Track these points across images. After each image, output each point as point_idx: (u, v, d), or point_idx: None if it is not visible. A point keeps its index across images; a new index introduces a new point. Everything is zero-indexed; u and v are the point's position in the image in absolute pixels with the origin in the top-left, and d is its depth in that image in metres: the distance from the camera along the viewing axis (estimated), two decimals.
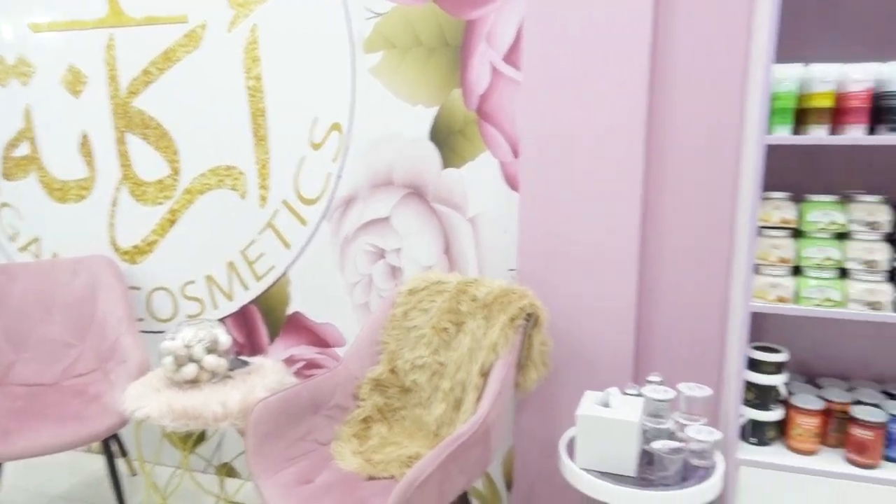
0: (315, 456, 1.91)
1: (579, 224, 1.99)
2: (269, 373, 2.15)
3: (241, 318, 2.57)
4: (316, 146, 2.33)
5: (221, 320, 2.59)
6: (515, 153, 2.10)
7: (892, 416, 1.62)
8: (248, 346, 2.58)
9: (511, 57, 2.04)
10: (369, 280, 2.36)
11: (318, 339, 2.47)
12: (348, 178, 2.31)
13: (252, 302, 2.54)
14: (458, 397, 1.95)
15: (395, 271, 2.31)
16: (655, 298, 2.01)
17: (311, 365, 2.50)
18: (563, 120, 1.95)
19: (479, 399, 1.85)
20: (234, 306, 2.57)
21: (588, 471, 1.67)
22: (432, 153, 2.19)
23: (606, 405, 1.73)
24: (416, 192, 2.24)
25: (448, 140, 2.16)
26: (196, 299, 2.62)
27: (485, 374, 1.86)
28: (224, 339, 2.12)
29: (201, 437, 2.70)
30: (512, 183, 2.12)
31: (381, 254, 2.32)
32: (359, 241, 2.34)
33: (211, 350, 2.09)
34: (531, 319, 1.92)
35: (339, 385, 2.04)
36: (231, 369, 2.13)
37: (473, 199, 2.18)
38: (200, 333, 2.09)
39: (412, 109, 2.18)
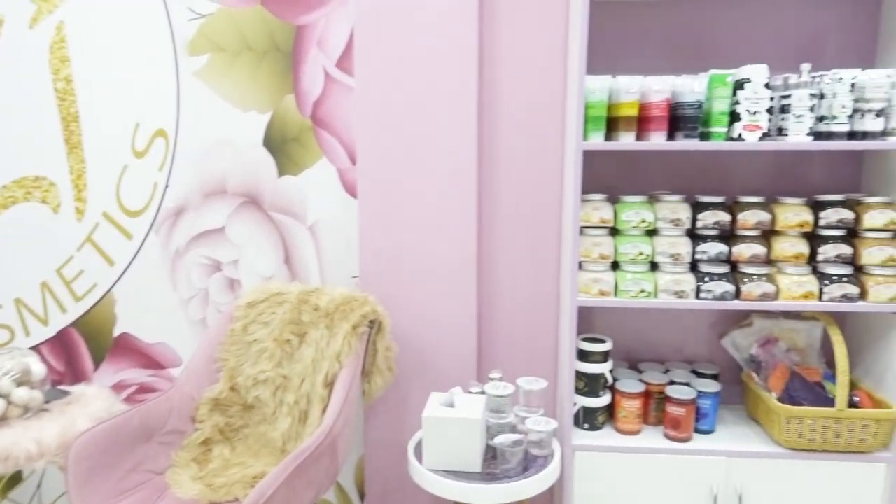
0: (149, 487, 1.78)
1: (418, 229, 2.02)
2: (94, 401, 1.97)
3: (60, 344, 2.33)
4: (139, 154, 2.17)
5: (34, 348, 2.34)
6: (353, 160, 2.09)
7: (700, 392, 1.81)
8: (68, 374, 2.35)
9: (344, 63, 2.03)
10: (205, 294, 2.24)
11: (151, 360, 2.30)
12: (177, 188, 2.17)
13: (72, 325, 2.32)
14: (304, 410, 1.90)
15: (233, 284, 2.22)
16: (494, 298, 2.09)
17: (144, 389, 2.33)
18: (397, 126, 1.97)
19: (324, 410, 1.82)
20: (50, 331, 2.33)
21: (435, 471, 1.70)
22: (267, 160, 2.12)
23: (451, 405, 1.77)
24: (253, 201, 2.16)
25: (283, 147, 2.11)
26: (4, 326, 2.34)
27: (329, 385, 1.84)
28: (37, 368, 1.92)
29: (16, 480, 2.42)
30: (351, 190, 2.11)
31: (216, 266, 2.21)
32: (192, 254, 2.21)
33: (22, 382, 1.88)
34: (374, 326, 1.92)
35: (175, 408, 1.92)
36: (47, 401, 1.94)
37: (312, 206, 2.14)
38: (8, 364, 1.88)
39: (244, 115, 2.10)
